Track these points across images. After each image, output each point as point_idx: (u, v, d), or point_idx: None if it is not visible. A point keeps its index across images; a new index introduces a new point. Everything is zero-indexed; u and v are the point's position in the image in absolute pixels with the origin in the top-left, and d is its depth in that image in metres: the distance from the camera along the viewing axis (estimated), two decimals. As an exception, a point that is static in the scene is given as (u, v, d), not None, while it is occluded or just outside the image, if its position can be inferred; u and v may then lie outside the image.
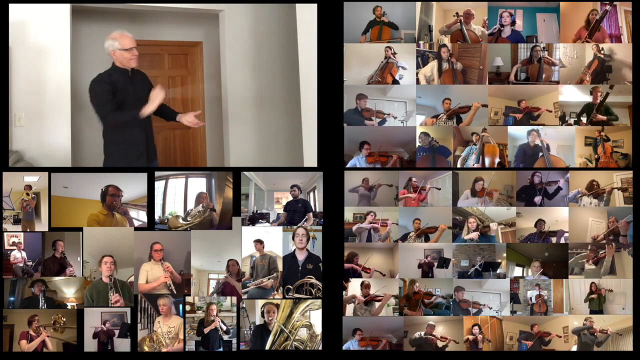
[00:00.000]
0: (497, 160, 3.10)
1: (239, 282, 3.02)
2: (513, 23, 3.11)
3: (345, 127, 3.09)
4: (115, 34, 3.45)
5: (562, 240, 3.07)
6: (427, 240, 3.07)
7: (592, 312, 3.07)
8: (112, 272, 2.97)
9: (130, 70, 3.51)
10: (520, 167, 3.10)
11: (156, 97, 3.36)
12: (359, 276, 3.06)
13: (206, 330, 2.99)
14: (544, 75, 3.10)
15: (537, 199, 3.07)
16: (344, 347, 3.05)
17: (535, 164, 3.10)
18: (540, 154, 3.11)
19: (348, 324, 3.06)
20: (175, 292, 3.00)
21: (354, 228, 3.06)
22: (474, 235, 3.06)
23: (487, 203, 3.08)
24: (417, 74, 3.10)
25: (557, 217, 3.08)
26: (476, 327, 3.06)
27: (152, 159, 3.61)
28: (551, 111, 3.11)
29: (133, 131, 3.44)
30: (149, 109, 3.35)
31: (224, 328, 3.00)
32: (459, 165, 3.11)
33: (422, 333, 3.06)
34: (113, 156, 3.47)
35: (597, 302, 3.07)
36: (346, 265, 3.05)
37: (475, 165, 3.10)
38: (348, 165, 3.08)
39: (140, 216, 3.01)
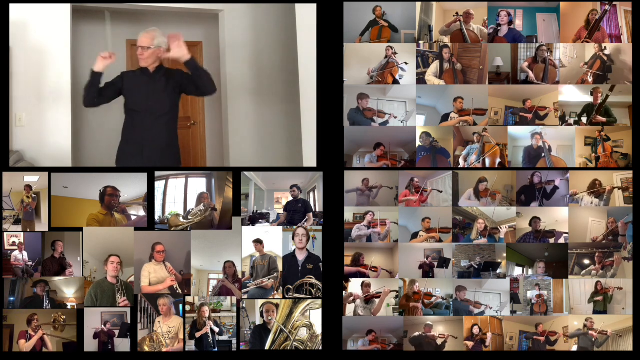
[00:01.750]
0: (498, 160, 3.10)
1: (236, 284, 3.02)
2: (510, 23, 3.11)
3: (346, 127, 3.09)
4: None
5: (562, 240, 3.07)
6: (440, 241, 3.07)
7: (595, 313, 3.07)
8: (118, 272, 2.97)
9: (152, 69, 3.43)
10: (519, 167, 3.10)
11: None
12: (365, 276, 3.06)
13: (197, 335, 2.98)
14: (548, 77, 3.10)
15: (537, 194, 3.07)
16: (356, 346, 3.04)
17: (537, 165, 3.11)
18: (543, 154, 3.11)
19: (348, 324, 3.06)
20: (181, 294, 3.00)
21: (354, 235, 3.06)
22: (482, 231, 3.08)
23: (489, 204, 3.08)
24: (417, 74, 3.10)
25: (557, 217, 3.08)
26: (476, 327, 3.06)
27: (157, 163, 3.40)
28: (557, 110, 3.11)
29: (133, 131, 3.40)
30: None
31: (217, 330, 3.00)
32: (460, 164, 3.11)
33: (421, 333, 3.07)
34: (120, 154, 3.46)
35: (601, 302, 3.07)
36: (353, 269, 3.05)
37: (476, 165, 3.10)
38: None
39: (139, 213, 3.01)
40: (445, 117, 3.11)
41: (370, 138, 3.10)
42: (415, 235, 3.08)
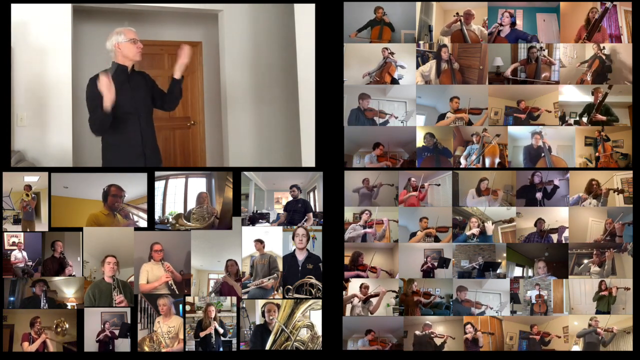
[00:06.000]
0: (498, 160, 3.10)
1: (237, 282, 3.02)
2: (513, 24, 3.11)
3: (345, 127, 3.09)
4: (120, 29, 3.41)
5: (563, 240, 3.07)
6: (437, 240, 3.07)
7: (598, 313, 3.06)
8: (114, 273, 2.98)
9: (129, 68, 3.44)
10: (520, 167, 3.10)
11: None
12: (365, 277, 3.06)
13: (202, 334, 2.99)
14: (542, 75, 3.10)
15: (539, 194, 3.07)
16: (356, 346, 3.04)
17: (537, 165, 3.11)
18: (543, 154, 3.11)
19: (348, 324, 3.06)
20: (177, 292, 3.01)
21: (346, 237, 3.05)
22: (475, 231, 3.06)
23: (492, 203, 3.08)
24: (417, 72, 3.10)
25: (557, 217, 3.08)
26: (469, 326, 3.05)
27: (155, 161, 3.50)
28: (550, 111, 3.11)
29: (128, 133, 3.37)
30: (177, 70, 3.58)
31: (221, 331, 3.00)
32: (462, 165, 3.11)
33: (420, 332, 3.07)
34: (110, 159, 3.39)
35: (605, 302, 3.06)
36: (351, 273, 3.05)
37: (476, 165, 3.10)
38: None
39: (141, 220, 3.01)
40: (442, 117, 3.11)
41: (370, 138, 3.10)
42: (413, 235, 3.08)
